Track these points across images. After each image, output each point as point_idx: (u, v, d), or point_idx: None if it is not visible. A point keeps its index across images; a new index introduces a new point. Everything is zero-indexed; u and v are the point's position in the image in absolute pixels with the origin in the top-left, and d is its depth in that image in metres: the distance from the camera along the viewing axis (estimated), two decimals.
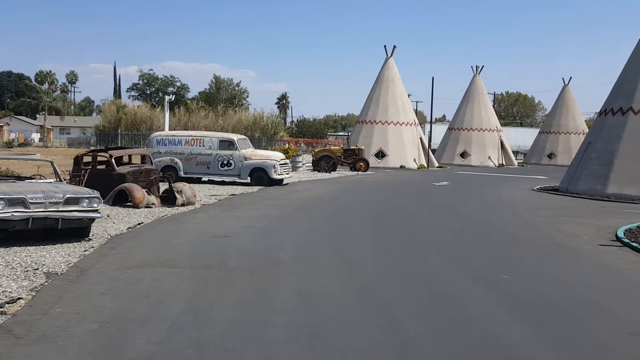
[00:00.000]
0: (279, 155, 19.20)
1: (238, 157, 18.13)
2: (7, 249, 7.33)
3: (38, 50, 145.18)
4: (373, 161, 31.77)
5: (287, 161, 19.76)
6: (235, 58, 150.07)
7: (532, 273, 7.28)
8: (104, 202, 10.55)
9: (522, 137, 55.91)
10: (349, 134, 43.02)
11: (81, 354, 4.09)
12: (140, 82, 72.49)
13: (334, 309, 5.37)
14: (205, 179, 18.79)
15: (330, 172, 26.02)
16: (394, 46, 35.46)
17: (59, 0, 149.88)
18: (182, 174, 18.03)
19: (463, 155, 40.78)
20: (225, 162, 18.19)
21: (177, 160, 18.28)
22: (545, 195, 18.86)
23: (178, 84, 72.91)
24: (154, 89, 72.03)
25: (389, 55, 35.33)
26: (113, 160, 13.09)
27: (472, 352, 4.40)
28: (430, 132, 42.25)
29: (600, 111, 20.24)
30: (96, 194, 8.21)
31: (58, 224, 7.64)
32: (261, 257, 7.57)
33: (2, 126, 58.79)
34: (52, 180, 9.16)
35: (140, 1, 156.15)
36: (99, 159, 13.66)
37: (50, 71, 73.42)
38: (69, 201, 7.76)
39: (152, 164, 14.88)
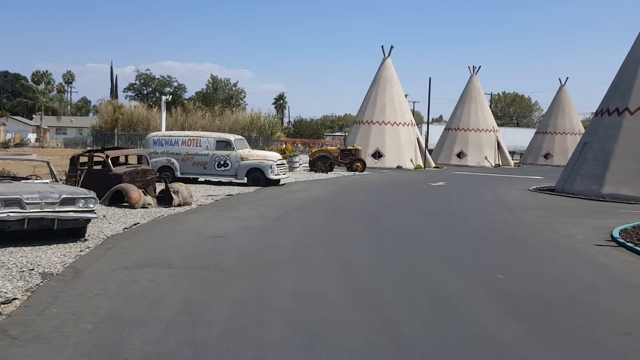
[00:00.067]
0: (276, 156, 19.20)
1: (235, 158, 18.12)
2: (3, 249, 7.31)
3: (34, 50, 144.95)
4: (370, 161, 31.81)
5: (284, 161, 19.76)
6: (232, 58, 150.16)
7: (527, 273, 7.30)
8: (100, 203, 10.53)
9: (519, 138, 56.04)
10: (346, 134, 43.06)
11: (76, 355, 4.08)
12: (137, 82, 72.37)
13: (330, 309, 5.38)
14: (201, 179, 18.77)
15: (327, 173, 26.03)
16: (391, 46, 35.57)
17: (55, 0, 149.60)
18: (178, 174, 18.01)
19: (460, 155, 40.85)
20: (222, 162, 18.18)
21: (173, 160, 18.26)
22: (542, 195, 18.91)
23: (175, 84, 72.80)
24: (150, 89, 71.90)
25: (386, 55, 35.38)
26: (109, 161, 13.07)
27: (467, 352, 4.42)
28: (427, 132, 42.33)
29: (596, 111, 20.31)
30: (92, 194, 8.20)
31: (54, 224, 7.63)
32: (257, 257, 7.57)
33: None
34: (48, 181, 9.14)
35: (137, 1, 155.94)
36: (95, 159, 13.64)
37: (46, 71, 73.40)
38: (65, 202, 7.75)
39: (148, 164, 14.87)
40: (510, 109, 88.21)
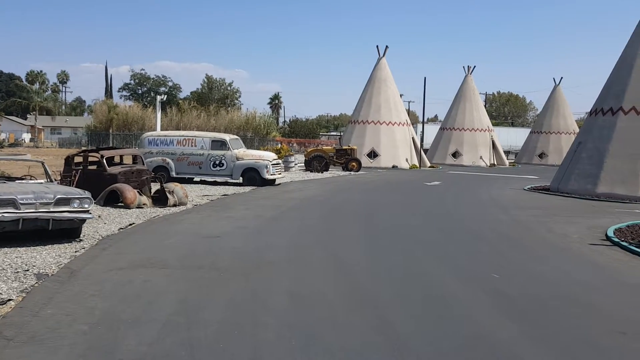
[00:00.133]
0: (272, 156, 19.19)
1: (230, 157, 18.10)
2: None
3: (29, 50, 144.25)
4: (365, 161, 31.83)
5: (280, 161, 19.76)
6: (227, 58, 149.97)
7: (522, 272, 7.33)
8: (95, 203, 10.50)
9: (514, 137, 56.24)
10: (342, 134, 43.08)
11: (72, 356, 4.07)
12: (132, 82, 72.17)
13: (325, 309, 5.38)
14: (197, 179, 18.74)
15: (322, 172, 26.03)
16: (386, 46, 35.60)
17: (50, 0, 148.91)
18: (173, 174, 17.97)
19: (455, 155, 40.95)
20: (217, 162, 18.15)
21: (168, 160, 18.22)
22: (536, 194, 18.98)
23: (170, 83, 72.65)
24: (145, 88, 71.72)
25: (381, 55, 35.42)
26: (104, 161, 13.02)
27: (463, 352, 4.43)
28: (423, 132, 42.33)
29: (590, 111, 20.41)
30: (87, 194, 8.17)
31: (49, 224, 7.60)
32: (253, 257, 7.56)
33: None
34: (42, 181, 9.10)
35: (131, 1, 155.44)
36: (90, 159, 13.59)
37: (41, 71, 73.01)
38: (59, 202, 7.71)
39: (143, 164, 14.82)
40: (505, 109, 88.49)
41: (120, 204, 12.08)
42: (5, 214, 7.25)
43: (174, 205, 12.46)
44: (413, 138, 35.08)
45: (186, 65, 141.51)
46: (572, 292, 6.38)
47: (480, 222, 11.92)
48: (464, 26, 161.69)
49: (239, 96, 69.00)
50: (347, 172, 27.26)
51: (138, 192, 12.39)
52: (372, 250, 8.46)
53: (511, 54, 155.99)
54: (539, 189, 20.33)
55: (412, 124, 37.15)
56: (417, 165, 34.10)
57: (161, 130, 29.58)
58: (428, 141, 44.81)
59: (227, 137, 18.97)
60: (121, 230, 9.41)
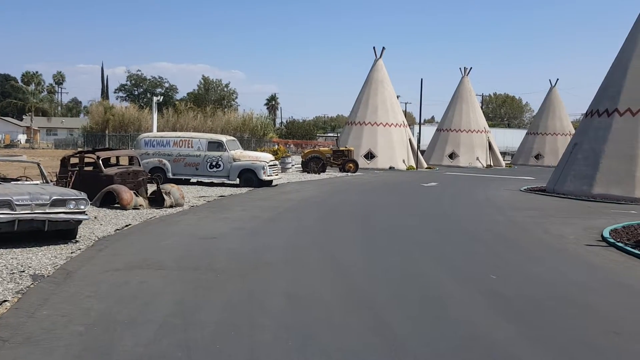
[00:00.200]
0: (268, 157, 19.17)
1: (227, 159, 18.08)
2: None
3: (24, 50, 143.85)
4: (362, 162, 31.86)
5: (277, 162, 19.74)
6: (224, 59, 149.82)
7: (519, 273, 7.35)
8: (91, 204, 10.47)
9: (510, 138, 56.39)
10: (339, 135, 43.11)
11: (67, 357, 4.05)
12: (128, 83, 72.13)
13: (322, 310, 5.38)
14: (193, 180, 18.71)
15: (319, 173, 26.04)
16: (383, 48, 35.64)
17: (45, 1, 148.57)
18: (170, 175, 17.94)
19: (451, 156, 41.02)
20: (214, 163, 18.13)
21: (165, 161, 18.19)
22: (533, 195, 19.03)
23: (166, 84, 72.65)
24: (142, 89, 71.66)
25: (378, 56, 35.47)
26: (100, 162, 13.00)
27: (460, 352, 4.44)
28: (419, 133, 42.46)
29: (586, 112, 20.48)
30: (83, 195, 8.15)
31: (44, 226, 7.57)
32: (250, 258, 7.56)
33: None
34: (38, 182, 9.07)
35: (127, 2, 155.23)
36: (86, 160, 13.56)
37: (36, 72, 72.84)
38: (55, 203, 7.69)
39: (140, 165, 14.79)
40: (502, 110, 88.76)
41: (116, 205, 12.05)
42: (1, 215, 7.22)
43: (171, 207, 12.43)
44: (410, 139, 35.13)
45: (183, 67, 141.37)
46: (568, 293, 6.40)
47: (476, 223, 11.94)
48: (461, 28, 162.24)
49: (236, 97, 69.13)
50: (344, 174, 27.28)
51: (134, 193, 12.36)
52: (369, 251, 8.46)
53: (507, 55, 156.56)
54: (535, 190, 20.38)
55: (409, 125, 37.19)
56: (414, 166, 34.15)
57: (157, 131, 29.55)
58: (425, 142, 44.89)
59: (223, 138, 18.96)
60: (117, 231, 9.39)
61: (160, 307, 5.27)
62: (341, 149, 29.63)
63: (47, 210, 7.60)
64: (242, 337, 4.57)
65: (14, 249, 7.42)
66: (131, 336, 4.47)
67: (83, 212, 8.03)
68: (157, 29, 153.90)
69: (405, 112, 46.18)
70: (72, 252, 7.51)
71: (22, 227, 7.43)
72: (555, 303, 5.94)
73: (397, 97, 37.91)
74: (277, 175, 18.92)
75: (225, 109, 54.53)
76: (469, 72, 42.99)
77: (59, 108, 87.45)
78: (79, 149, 30.37)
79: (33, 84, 68.06)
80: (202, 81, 67.45)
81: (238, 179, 18.00)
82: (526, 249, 9.12)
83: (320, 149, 34.14)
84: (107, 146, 39.62)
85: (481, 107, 49.72)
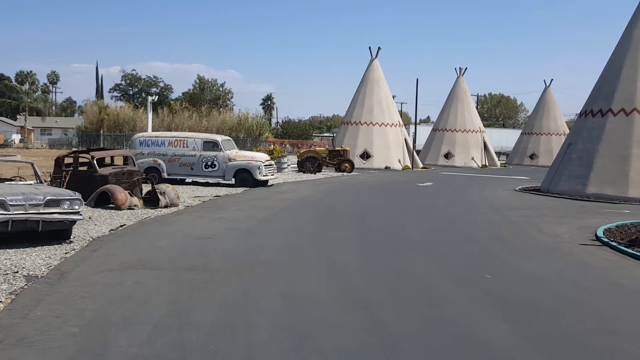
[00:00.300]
0: (264, 156, 19.16)
1: (222, 158, 18.05)
2: None
3: (18, 50, 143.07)
4: (358, 162, 31.88)
5: (272, 162, 19.72)
6: (219, 59, 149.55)
7: (514, 272, 7.37)
8: (85, 204, 10.42)
9: (505, 138, 56.55)
10: (334, 135, 43.10)
11: (61, 358, 4.03)
12: (123, 82, 71.84)
13: (318, 310, 5.38)
14: (189, 180, 18.66)
15: (315, 173, 26.04)
16: (379, 48, 35.69)
17: (39, 0, 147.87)
18: (165, 175, 17.89)
19: (447, 156, 41.12)
20: (209, 163, 18.10)
21: (160, 161, 18.13)
22: (527, 195, 19.10)
23: (161, 84, 72.40)
24: (136, 89, 71.41)
25: (373, 56, 35.51)
26: (95, 162, 12.95)
27: (455, 352, 4.45)
28: (415, 133, 42.47)
29: (580, 113, 20.57)
30: (77, 195, 8.11)
31: (38, 226, 7.53)
32: (245, 258, 7.54)
33: None
34: (32, 182, 9.03)
35: (122, 1, 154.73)
36: (80, 160, 13.49)
37: (30, 71, 72.58)
38: (49, 203, 7.65)
39: (134, 165, 14.75)
40: (497, 110, 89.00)
41: (111, 205, 12.00)
42: None
43: (166, 207, 12.40)
44: (405, 139, 35.19)
45: (178, 66, 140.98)
46: (563, 292, 6.42)
47: (472, 222, 11.96)
48: (456, 28, 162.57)
49: (231, 97, 68.95)
50: (340, 173, 27.28)
51: (129, 193, 12.32)
52: (364, 251, 8.47)
53: (502, 56, 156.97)
54: (529, 190, 20.46)
55: (405, 125, 37.26)
56: (410, 166, 34.20)
57: (152, 131, 29.43)
58: (420, 142, 44.95)
59: (219, 138, 18.92)
60: (112, 231, 9.35)
61: (155, 308, 5.25)
62: (337, 148, 29.64)
63: (41, 211, 7.56)
64: (238, 337, 4.56)
65: (8, 250, 7.38)
66: (126, 337, 4.45)
67: (77, 213, 7.99)
68: (151, 29, 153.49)
69: (400, 112, 46.27)
70: (66, 253, 7.48)
71: (16, 227, 7.39)
72: (550, 302, 5.96)
73: (393, 97, 37.96)
74: (272, 175, 18.91)
75: (221, 109, 54.40)
76: (464, 73, 43.11)
77: (53, 108, 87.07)
78: (74, 149, 30.22)
79: (27, 84, 67.80)
80: (197, 81, 67.24)
81: (233, 179, 17.98)
82: (521, 249, 9.15)
83: (316, 148, 34.12)
84: (101, 146, 39.47)
85: (476, 107, 49.91)
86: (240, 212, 12.12)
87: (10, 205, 7.31)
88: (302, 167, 26.76)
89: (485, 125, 47.18)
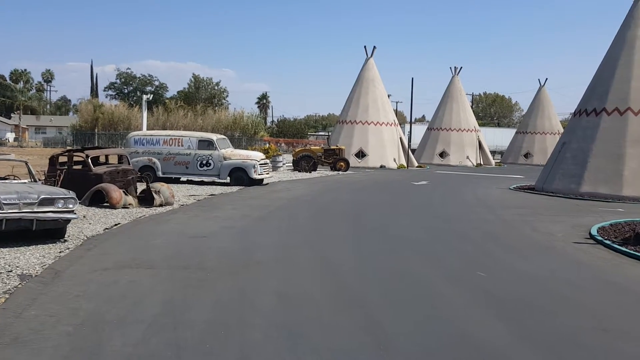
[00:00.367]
0: (259, 155, 19.13)
1: (217, 157, 18.02)
2: None
3: (13, 48, 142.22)
4: (353, 161, 31.91)
5: (267, 161, 19.71)
6: (214, 57, 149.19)
7: (508, 271, 7.40)
8: (80, 203, 10.38)
9: (500, 137, 56.73)
10: (330, 134, 43.14)
11: (56, 357, 4.02)
12: (118, 81, 71.59)
13: (313, 309, 5.38)
14: (184, 179, 18.63)
15: (310, 172, 26.04)
16: (374, 47, 35.71)
17: None
18: (160, 174, 17.84)
19: (442, 155, 41.22)
20: (204, 162, 18.06)
21: (155, 160, 18.09)
22: (522, 194, 19.17)
23: (156, 83, 72.23)
24: (131, 88, 71.17)
25: (369, 55, 35.52)
26: (89, 160, 12.90)
27: (450, 351, 4.46)
28: (410, 132, 42.56)
29: (574, 112, 20.65)
30: (72, 194, 8.08)
31: (32, 225, 7.50)
32: (240, 257, 7.54)
33: None
34: (26, 181, 8.98)
35: (117, 0, 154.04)
36: (75, 159, 13.45)
37: (25, 70, 72.34)
38: (43, 202, 7.62)
39: (129, 164, 14.70)
40: (491, 109, 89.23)
41: (105, 204, 11.96)
42: None
43: (160, 205, 12.37)
44: (401, 138, 35.24)
45: (173, 65, 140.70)
46: (557, 290, 6.45)
47: (466, 221, 12.00)
48: (452, 27, 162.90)
49: (227, 96, 68.91)
50: (335, 172, 27.29)
51: (124, 192, 12.28)
52: (359, 250, 8.47)
53: (497, 55, 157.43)
54: (524, 189, 20.53)
55: (400, 124, 37.29)
56: (405, 165, 34.25)
57: (147, 129, 29.37)
58: (415, 141, 45.04)
59: (214, 136, 18.89)
60: (106, 230, 9.32)
61: (150, 307, 5.24)
62: (332, 147, 29.65)
63: (35, 209, 7.52)
64: (233, 336, 4.56)
65: (2, 249, 7.34)
66: (120, 336, 4.44)
67: (72, 211, 7.96)
68: (146, 28, 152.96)
69: (396, 111, 46.29)
70: (60, 252, 7.45)
71: (10, 226, 7.36)
72: (544, 301, 5.99)
73: (388, 96, 37.99)
74: (268, 174, 18.90)
75: (216, 108, 54.32)
76: (459, 72, 43.21)
77: (48, 106, 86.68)
78: (68, 148, 30.09)
79: (21, 82, 67.49)
80: (192, 79, 67.14)
81: (229, 178, 17.95)
82: (515, 247, 9.18)
83: (312, 147, 34.14)
84: (96, 145, 39.34)
85: (471, 106, 50.00)
86: (235, 211, 12.11)
87: (4, 204, 7.27)
88: (297, 166, 26.75)
89: (480, 125, 47.33)
